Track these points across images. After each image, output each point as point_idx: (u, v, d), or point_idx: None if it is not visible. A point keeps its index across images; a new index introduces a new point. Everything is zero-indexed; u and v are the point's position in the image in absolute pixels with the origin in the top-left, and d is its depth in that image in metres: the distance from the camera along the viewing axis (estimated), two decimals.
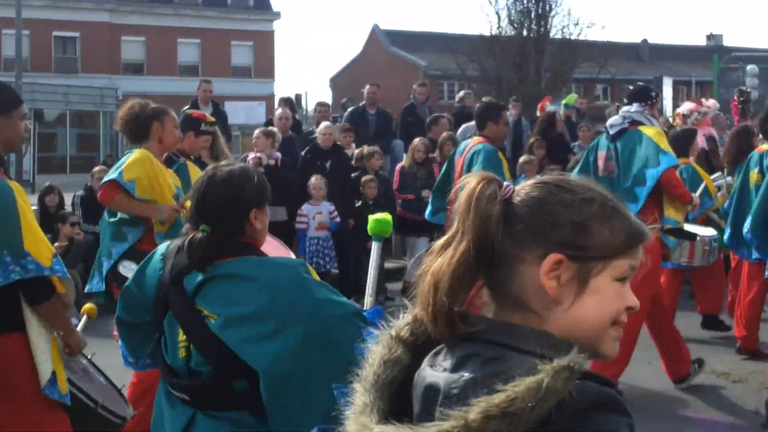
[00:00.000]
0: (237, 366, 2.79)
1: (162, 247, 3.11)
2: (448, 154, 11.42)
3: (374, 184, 10.62)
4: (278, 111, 12.41)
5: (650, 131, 6.96)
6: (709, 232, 7.57)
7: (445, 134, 11.90)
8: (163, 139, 5.89)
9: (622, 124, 7.11)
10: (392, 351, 1.66)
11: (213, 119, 7.29)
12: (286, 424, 2.73)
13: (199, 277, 2.89)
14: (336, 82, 52.25)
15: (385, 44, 49.59)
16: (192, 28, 44.57)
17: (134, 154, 5.73)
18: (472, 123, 12.98)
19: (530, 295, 1.60)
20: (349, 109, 14.45)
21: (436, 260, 1.62)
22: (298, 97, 26.89)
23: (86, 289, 5.95)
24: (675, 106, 34.46)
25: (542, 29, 35.53)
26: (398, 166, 11.79)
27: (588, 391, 1.44)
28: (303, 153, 11.15)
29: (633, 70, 43.14)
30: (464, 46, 34.99)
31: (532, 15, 35.55)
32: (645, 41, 60.50)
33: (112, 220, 5.69)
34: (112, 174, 5.67)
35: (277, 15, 47.62)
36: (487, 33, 35.27)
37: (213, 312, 2.84)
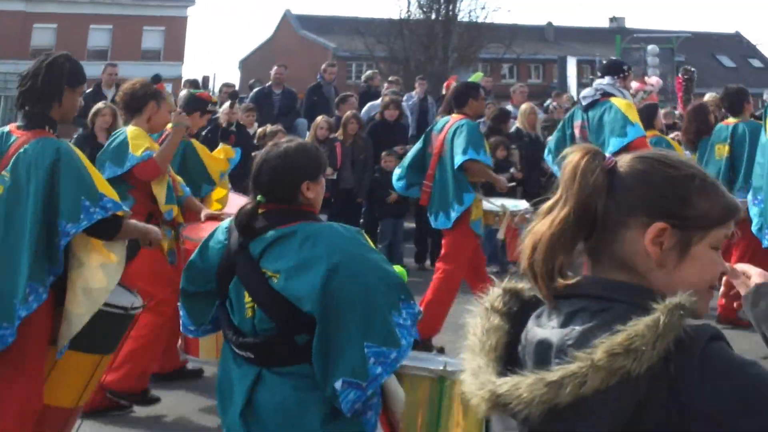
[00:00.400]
0: (298, 321, 3.07)
1: (226, 222, 3.42)
2: (352, 132, 11.64)
3: None
4: (182, 93, 12.45)
5: (620, 102, 7.35)
6: None
7: (348, 113, 12.04)
8: (152, 119, 6.19)
9: (594, 95, 7.53)
10: (490, 320, 1.85)
11: (216, 99, 7.57)
12: (319, 370, 3.01)
13: (263, 243, 3.17)
14: (245, 64, 51.91)
15: (296, 27, 49.45)
16: (105, 14, 44.01)
17: (129, 132, 6.01)
18: (377, 101, 13.31)
19: (633, 257, 1.78)
20: (255, 89, 14.52)
21: (539, 224, 1.81)
22: (206, 79, 26.67)
23: None
24: (579, 84, 35.27)
25: (450, 13, 35.87)
26: None
27: (700, 327, 1.65)
28: (204, 132, 11.22)
29: (538, 50, 43.77)
30: (373, 29, 35.15)
31: (441, 0, 35.91)
32: (550, 24, 61.46)
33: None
34: (125, 155, 5.91)
35: (192, 1, 47.11)
36: (396, 17, 35.50)
37: (275, 271, 3.12)
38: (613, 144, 7.11)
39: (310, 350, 3.05)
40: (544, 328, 1.77)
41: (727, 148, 8.32)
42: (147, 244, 4.77)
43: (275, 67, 14.20)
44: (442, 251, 7.87)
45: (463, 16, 36.59)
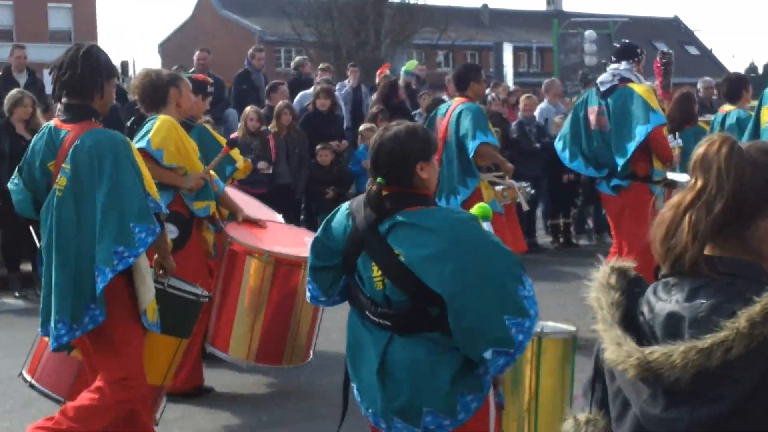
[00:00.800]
0: (429, 296, 3.46)
1: (346, 204, 3.81)
2: (285, 124, 11.29)
3: None
4: None
5: (640, 89, 7.43)
6: (685, 177, 7.90)
7: (281, 102, 11.65)
8: (180, 104, 6.23)
9: (612, 81, 7.55)
10: (612, 296, 2.10)
11: (212, 81, 7.60)
12: (466, 342, 3.47)
13: (389, 223, 3.56)
14: (165, 48, 50.90)
15: (217, 8, 48.65)
16: None
17: (159, 121, 5.99)
18: (309, 90, 12.96)
19: (761, 243, 2.01)
20: None
21: (677, 210, 2.04)
22: (125, 64, 25.93)
23: None
24: (516, 73, 35.29)
25: None
26: (231, 137, 11.49)
27: None
28: (128, 123, 10.73)
29: (473, 35, 43.69)
30: (300, 10, 34.70)
31: None
32: (485, 6, 61.58)
33: None
34: (140, 142, 5.84)
35: None
36: None
37: (402, 252, 3.51)
38: (639, 132, 7.23)
39: (442, 320, 3.47)
40: (668, 302, 2.03)
41: None
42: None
43: (197, 52, 13.60)
44: None
45: None
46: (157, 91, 6.21)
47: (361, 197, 3.71)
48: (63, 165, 4.56)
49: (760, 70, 74.55)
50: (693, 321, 1.96)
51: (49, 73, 4.89)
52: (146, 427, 4.89)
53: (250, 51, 14.57)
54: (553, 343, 4.34)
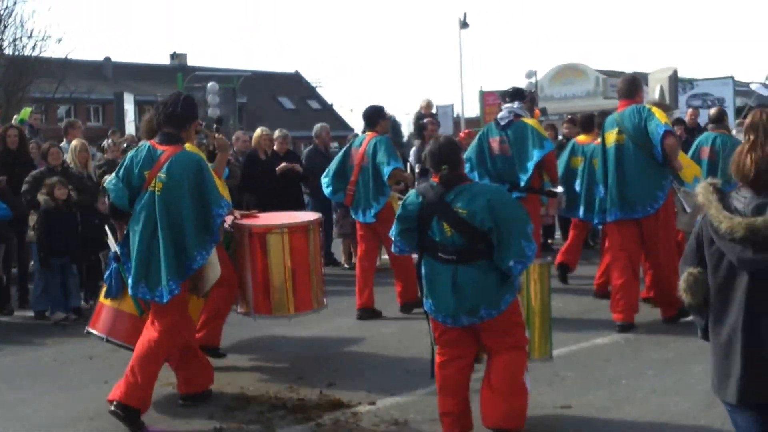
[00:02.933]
0: (479, 237, 5.54)
1: (414, 190, 5.95)
2: None
3: None
4: None
5: (531, 122, 9.92)
6: (560, 189, 10.44)
7: None
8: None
9: (509, 117, 9.89)
10: (713, 194, 3.54)
11: None
12: (499, 257, 5.51)
13: (453, 194, 5.63)
14: None
15: None
16: None
17: (189, 146, 7.02)
18: None
19: None
20: None
21: (743, 155, 3.56)
22: None
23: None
24: (137, 126, 34.71)
25: None
26: None
27: None
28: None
29: (94, 87, 42.55)
30: None
31: None
32: (108, 59, 60.37)
33: None
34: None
35: None
36: None
37: (463, 209, 5.56)
38: (536, 154, 9.60)
39: (487, 253, 5.56)
40: (753, 199, 3.49)
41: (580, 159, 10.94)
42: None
43: None
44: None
45: (7, 45, 34.72)
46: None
47: (424, 184, 5.87)
48: (159, 174, 6.27)
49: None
50: None
51: (158, 110, 6.56)
52: (204, 360, 6.89)
53: None
54: (539, 266, 6.28)
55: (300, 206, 13.52)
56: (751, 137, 3.55)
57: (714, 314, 3.62)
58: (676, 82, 26.35)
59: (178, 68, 55.38)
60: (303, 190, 13.78)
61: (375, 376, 7.27)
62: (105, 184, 6.72)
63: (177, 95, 6.66)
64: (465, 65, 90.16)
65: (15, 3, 34.41)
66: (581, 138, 11.45)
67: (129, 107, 30.68)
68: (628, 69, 60.94)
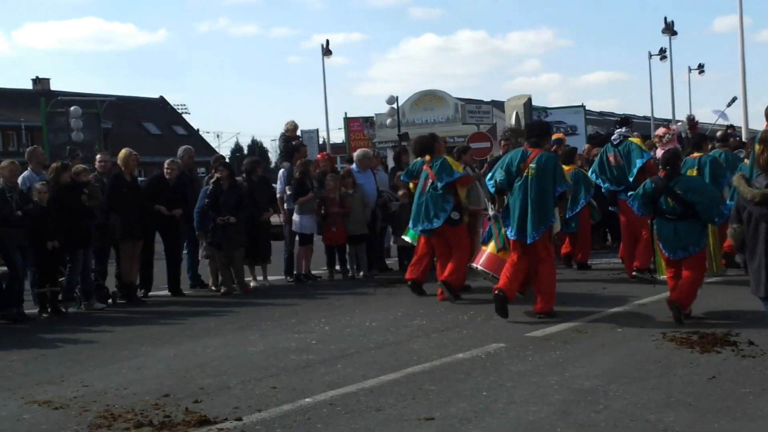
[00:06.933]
0: (690, 205, 9.67)
1: (648, 180, 10.25)
2: None
3: None
4: None
5: (635, 140, 13.35)
6: None
7: None
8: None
9: (620, 138, 13.27)
10: (744, 179, 6.12)
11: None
12: (705, 217, 9.72)
13: (674, 181, 9.81)
14: None
15: None
16: None
17: (448, 157, 12.28)
18: None
19: None
20: None
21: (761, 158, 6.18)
22: None
23: (424, 227, 11.84)
24: (3, 152, 33.48)
25: None
26: None
27: None
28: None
29: None
30: None
31: None
32: None
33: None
34: (450, 172, 11.82)
35: None
36: None
37: (680, 190, 9.72)
38: (638, 162, 12.86)
39: (693, 215, 9.65)
40: (764, 180, 5.94)
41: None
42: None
43: None
44: None
45: None
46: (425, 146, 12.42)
47: (655, 177, 10.12)
48: (530, 165, 10.00)
49: (245, 150, 78.29)
50: None
51: (529, 130, 11.00)
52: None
53: None
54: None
55: (173, 227, 13.29)
56: (761, 146, 6.13)
57: (749, 251, 6.03)
58: (530, 109, 27.18)
59: (41, 93, 53.78)
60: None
61: (241, 392, 7.07)
62: (486, 180, 10.64)
63: (540, 121, 11.38)
64: (329, 91, 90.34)
65: None
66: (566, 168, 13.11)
67: None
68: (484, 98, 62.73)
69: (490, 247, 11.00)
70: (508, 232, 10.27)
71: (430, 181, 11.69)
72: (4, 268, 11.49)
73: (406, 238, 13.09)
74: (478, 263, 11.16)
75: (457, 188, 11.79)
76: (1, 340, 10.15)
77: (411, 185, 12.55)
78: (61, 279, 12.07)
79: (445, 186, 11.62)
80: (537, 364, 7.77)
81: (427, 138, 12.46)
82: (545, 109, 38.34)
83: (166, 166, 13.53)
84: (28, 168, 13.27)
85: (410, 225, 12.30)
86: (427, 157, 11.99)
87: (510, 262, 10.21)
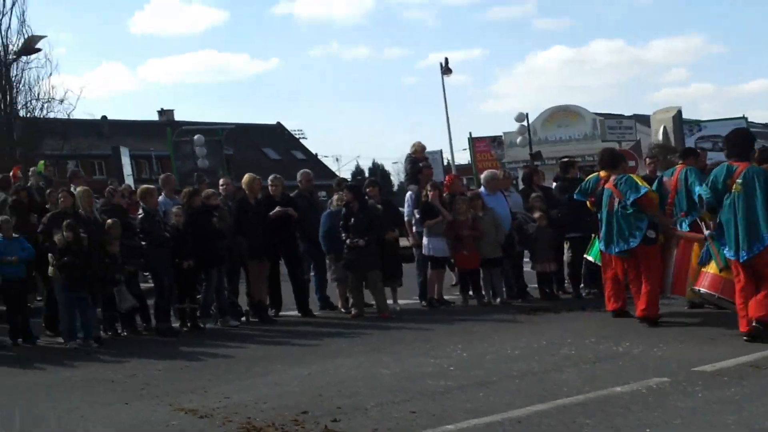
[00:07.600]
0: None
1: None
2: None
3: None
4: None
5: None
6: None
7: None
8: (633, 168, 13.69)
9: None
10: None
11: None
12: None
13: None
14: None
15: None
16: None
17: (633, 175, 11.82)
18: None
19: None
20: None
21: None
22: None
23: (621, 249, 11.16)
24: (137, 179, 34.58)
25: (9, 108, 34.57)
26: None
27: None
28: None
29: (94, 143, 42.39)
30: None
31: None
32: (105, 117, 60.34)
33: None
34: (636, 188, 11.04)
35: None
36: None
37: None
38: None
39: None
40: None
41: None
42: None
43: None
44: None
45: (21, 108, 35.46)
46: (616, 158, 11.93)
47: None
48: (737, 180, 9.47)
49: (366, 173, 78.13)
50: None
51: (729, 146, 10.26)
52: None
53: None
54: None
55: (293, 249, 13.40)
56: None
57: None
58: (680, 122, 24.89)
59: (167, 123, 55.32)
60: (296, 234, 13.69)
61: (379, 414, 7.03)
62: (700, 191, 10.15)
63: (740, 130, 10.96)
64: (451, 111, 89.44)
65: (23, 71, 35.25)
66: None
67: (126, 160, 30.50)
68: (624, 112, 59.31)
69: (712, 268, 10.17)
70: (726, 252, 9.68)
71: (617, 200, 11.10)
72: (150, 285, 12.17)
73: (589, 258, 12.60)
74: (701, 286, 10.38)
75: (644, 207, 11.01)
76: (147, 351, 10.83)
77: (588, 203, 11.87)
78: (198, 296, 12.72)
79: (634, 203, 10.93)
80: (708, 400, 6.97)
81: (618, 154, 12.21)
82: (698, 122, 36.39)
83: (270, 182, 13.70)
84: (162, 194, 13.80)
85: (599, 244, 11.64)
86: (602, 173, 11.52)
87: (738, 290, 9.53)
